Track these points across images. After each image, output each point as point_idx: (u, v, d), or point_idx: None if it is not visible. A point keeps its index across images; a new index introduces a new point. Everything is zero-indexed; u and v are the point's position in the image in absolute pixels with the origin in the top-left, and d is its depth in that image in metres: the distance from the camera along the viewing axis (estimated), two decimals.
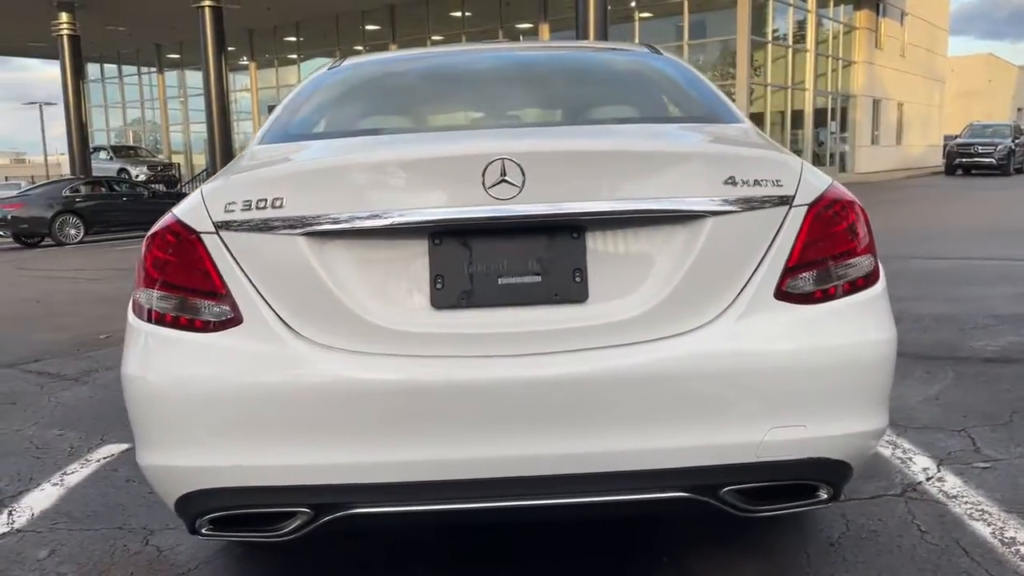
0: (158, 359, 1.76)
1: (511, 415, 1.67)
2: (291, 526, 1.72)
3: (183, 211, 1.81)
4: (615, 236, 1.76)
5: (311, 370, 1.69)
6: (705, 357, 1.71)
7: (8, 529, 2.64)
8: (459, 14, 27.22)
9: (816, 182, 1.86)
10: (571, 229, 1.75)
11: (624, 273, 1.76)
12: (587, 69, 2.78)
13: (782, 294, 1.78)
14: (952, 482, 2.73)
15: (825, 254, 1.81)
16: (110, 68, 36.71)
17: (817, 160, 25.85)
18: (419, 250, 1.74)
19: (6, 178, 41.88)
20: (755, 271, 1.77)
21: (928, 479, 2.76)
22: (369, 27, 28.59)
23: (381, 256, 1.74)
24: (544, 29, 25.78)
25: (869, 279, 1.87)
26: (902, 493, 2.66)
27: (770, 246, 1.78)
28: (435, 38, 27.60)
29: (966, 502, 2.57)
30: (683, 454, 1.70)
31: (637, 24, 24.60)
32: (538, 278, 1.74)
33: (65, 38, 24.69)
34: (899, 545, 2.31)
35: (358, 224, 1.71)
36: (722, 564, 2.26)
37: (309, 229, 1.71)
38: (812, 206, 1.82)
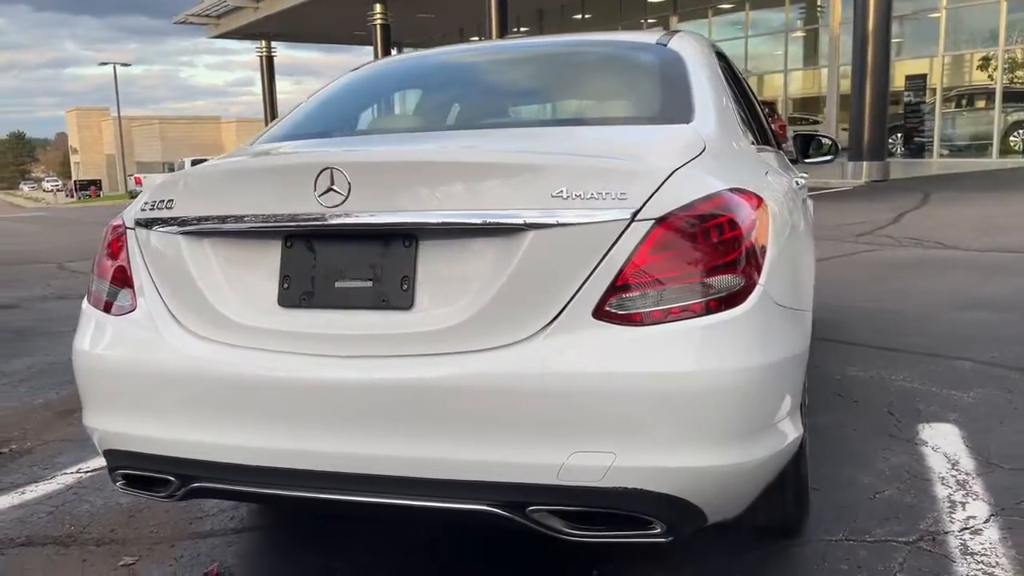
0: (84, 335, 2.08)
1: (330, 413, 1.76)
2: (167, 491, 1.96)
3: (129, 208, 2.10)
4: (444, 246, 1.77)
5: (174, 355, 1.90)
6: (511, 374, 1.67)
7: None
8: None
9: (682, 195, 1.72)
10: (404, 237, 1.78)
11: (448, 284, 1.76)
12: (561, 68, 2.70)
13: (603, 313, 1.67)
14: (989, 536, 2.33)
15: (667, 273, 1.67)
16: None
17: None
18: (273, 251, 1.88)
19: None
20: (579, 288, 1.68)
21: (962, 529, 2.37)
22: None
23: (242, 255, 1.91)
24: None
25: (728, 301, 1.69)
26: (914, 541, 2.32)
27: (599, 262, 1.68)
28: (721, 6, 26.75)
29: (981, 561, 2.18)
30: (488, 468, 1.68)
31: None
32: (369, 283, 1.80)
33: (378, 27, 27.39)
34: None
35: (219, 226, 1.89)
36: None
37: (185, 228, 1.93)
38: (662, 221, 1.68)
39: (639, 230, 1.68)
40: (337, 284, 1.83)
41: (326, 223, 1.79)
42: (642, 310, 1.67)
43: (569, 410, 1.64)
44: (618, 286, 1.67)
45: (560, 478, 1.65)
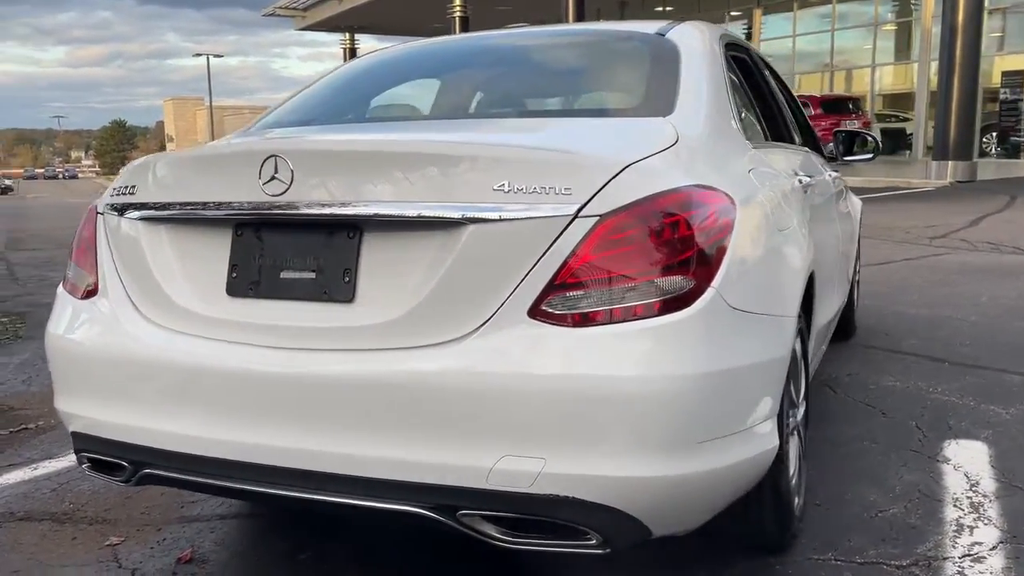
0: (54, 318, 2.11)
1: (270, 406, 1.74)
2: (123, 476, 1.98)
3: (106, 192, 2.13)
4: (388, 239, 1.72)
5: (127, 341, 1.91)
6: (441, 373, 1.62)
7: None
8: None
9: (632, 191, 1.63)
10: (348, 228, 1.75)
11: (390, 278, 1.72)
12: (546, 59, 2.62)
13: (538, 313, 1.60)
14: (991, 564, 2.16)
15: (608, 272, 1.59)
16: None
17: None
18: (224, 240, 1.87)
19: None
20: (517, 286, 1.61)
21: (964, 555, 2.21)
22: None
23: (196, 243, 1.90)
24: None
25: (673, 304, 1.59)
26: (906, 565, 2.17)
27: (538, 260, 1.61)
28: None
29: None
30: (418, 469, 1.63)
31: None
32: (313, 275, 1.77)
33: (457, 19, 27.56)
34: None
35: (174, 213, 1.89)
36: None
37: (143, 214, 1.93)
38: (607, 217, 1.60)
39: (582, 227, 1.60)
40: (283, 274, 1.80)
41: (271, 212, 1.77)
42: (579, 311, 1.59)
43: (498, 412, 1.58)
44: (556, 285, 1.60)
45: (489, 482, 1.59)
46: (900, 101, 25.06)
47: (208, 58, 60.03)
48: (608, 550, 1.65)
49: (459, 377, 1.61)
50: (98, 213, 2.09)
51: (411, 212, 1.67)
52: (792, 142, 3.16)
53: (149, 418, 1.86)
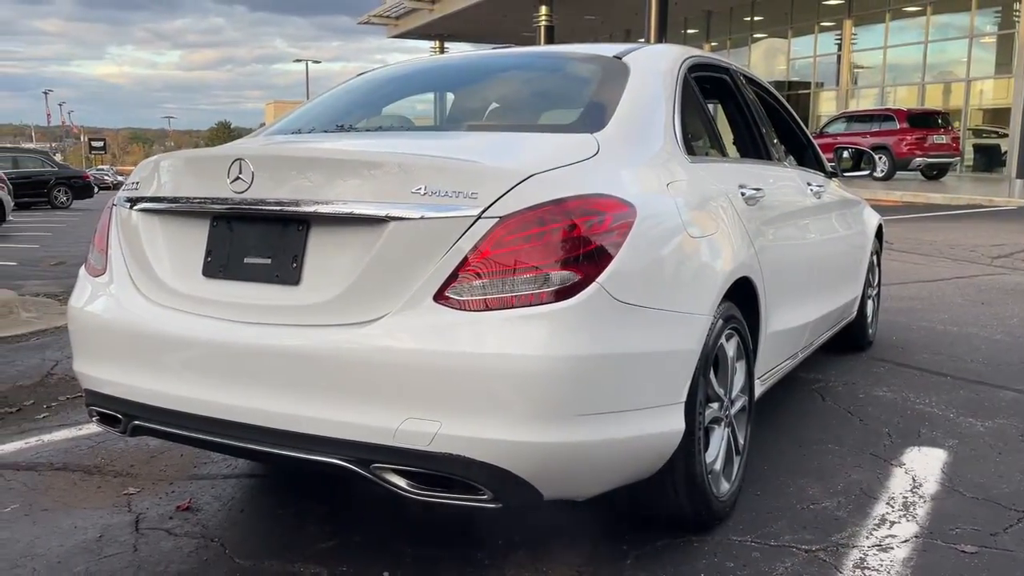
0: (75, 294, 2.49)
1: (230, 370, 2.06)
2: (120, 427, 2.33)
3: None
4: (329, 232, 2.03)
5: (125, 313, 2.27)
6: (361, 347, 1.91)
7: None
8: None
9: (531, 196, 1.90)
10: (298, 222, 2.06)
11: (328, 265, 2.02)
12: (497, 79, 2.94)
13: (442, 299, 1.87)
14: (895, 555, 2.31)
15: (503, 266, 1.85)
16: None
17: None
18: (203, 229, 2.21)
19: None
20: (428, 276, 1.89)
21: (873, 546, 2.37)
22: (825, 2, 27.21)
23: (181, 231, 2.25)
24: None
25: (559, 295, 1.85)
26: (814, 550, 2.34)
27: (446, 254, 1.88)
28: (902, 8, 25.28)
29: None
30: (340, 426, 1.92)
31: None
32: (269, 260, 2.09)
33: (543, 28, 27.96)
34: None
35: (165, 205, 2.24)
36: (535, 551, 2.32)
37: (142, 207, 2.30)
38: (507, 219, 1.87)
39: (484, 226, 1.87)
40: (246, 259, 2.13)
41: (239, 207, 2.10)
42: (476, 298, 1.86)
43: (404, 381, 1.86)
44: (459, 275, 1.87)
45: (396, 440, 1.87)
46: (996, 117, 24.16)
47: (307, 64, 62.28)
48: (499, 505, 1.92)
49: (374, 351, 1.90)
50: (113, 205, 2.47)
51: (345, 210, 1.97)
52: (769, 158, 3.33)
53: (138, 378, 2.21)
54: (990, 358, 4.52)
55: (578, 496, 2.07)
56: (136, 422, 2.26)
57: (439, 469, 1.88)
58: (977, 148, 24.72)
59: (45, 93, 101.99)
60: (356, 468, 1.94)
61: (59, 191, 23.89)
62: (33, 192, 23.18)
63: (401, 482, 1.93)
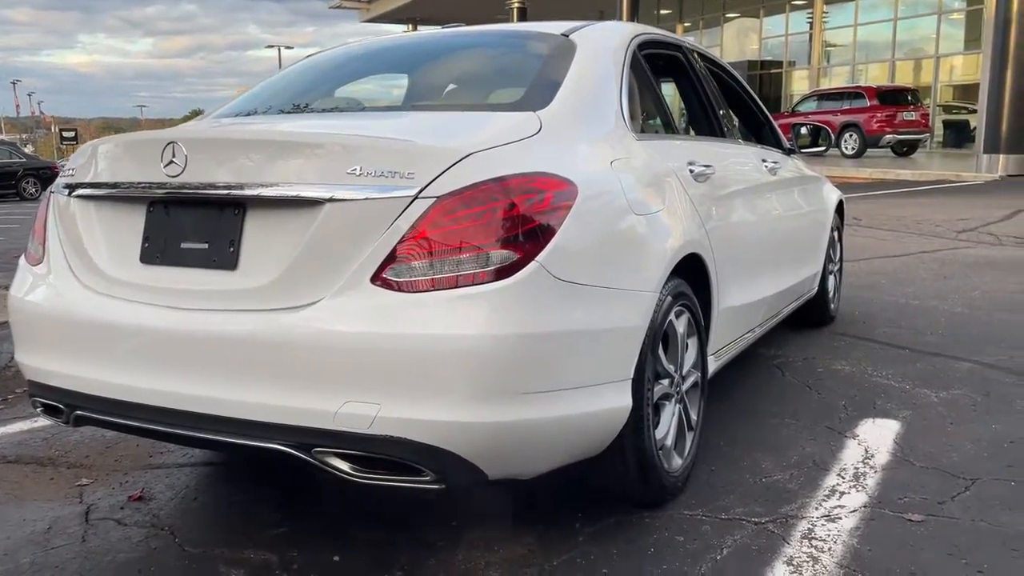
0: (14, 283, 2.45)
1: (169, 357, 2.04)
2: (63, 418, 2.30)
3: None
4: (265, 215, 2.00)
5: (63, 301, 2.24)
6: (298, 331, 1.89)
7: None
8: None
9: (469, 176, 1.88)
10: (234, 206, 2.03)
11: (264, 248, 1.99)
12: (441, 58, 2.92)
13: (379, 280, 1.86)
14: (843, 525, 2.34)
15: (440, 246, 1.84)
16: None
17: None
18: (140, 215, 2.17)
19: None
20: (365, 257, 1.87)
21: (822, 516, 2.39)
22: None
23: (117, 217, 2.22)
24: None
25: (497, 274, 1.84)
26: (763, 523, 2.36)
27: (382, 235, 1.86)
28: None
29: (813, 545, 2.22)
30: (279, 411, 1.90)
31: None
32: (206, 245, 2.06)
33: (515, 10, 27.83)
34: None
35: (101, 191, 2.20)
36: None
37: (78, 193, 2.26)
38: (444, 199, 1.85)
39: (420, 207, 1.85)
40: (182, 245, 2.10)
41: (175, 191, 2.07)
42: (413, 278, 1.84)
43: (343, 365, 1.85)
44: (396, 256, 1.86)
45: (336, 423, 1.86)
46: (966, 93, 24.37)
47: (279, 49, 61.60)
48: (443, 486, 1.91)
49: (311, 334, 1.88)
50: (51, 192, 2.42)
51: (279, 192, 1.94)
52: (722, 135, 3.33)
53: (78, 367, 2.18)
54: (949, 330, 4.57)
55: (523, 475, 2.07)
56: (78, 412, 2.23)
57: (381, 452, 1.87)
58: (947, 124, 24.90)
59: (14, 83, 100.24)
60: (298, 453, 1.92)
61: (28, 182, 23.56)
62: (1, 184, 22.87)
63: (344, 466, 1.92)
